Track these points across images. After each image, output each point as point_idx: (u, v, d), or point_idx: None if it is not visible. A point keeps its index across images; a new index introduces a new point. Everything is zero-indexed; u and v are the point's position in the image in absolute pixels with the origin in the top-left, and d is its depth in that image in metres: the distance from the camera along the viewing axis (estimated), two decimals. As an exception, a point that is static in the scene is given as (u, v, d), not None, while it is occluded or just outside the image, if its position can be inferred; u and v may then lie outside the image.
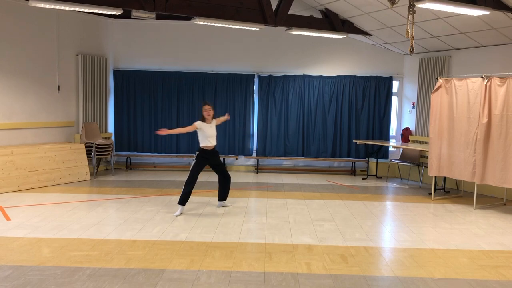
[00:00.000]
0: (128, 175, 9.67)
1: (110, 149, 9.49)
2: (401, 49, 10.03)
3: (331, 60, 10.50)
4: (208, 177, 9.63)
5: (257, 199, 7.56)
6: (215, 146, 6.70)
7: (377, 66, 10.40)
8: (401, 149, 9.78)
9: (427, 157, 8.18)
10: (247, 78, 10.44)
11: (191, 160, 10.49)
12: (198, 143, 10.33)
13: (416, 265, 4.58)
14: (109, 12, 6.97)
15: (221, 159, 6.61)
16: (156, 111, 10.37)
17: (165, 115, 10.40)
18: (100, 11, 7.01)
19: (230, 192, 8.07)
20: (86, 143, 9.14)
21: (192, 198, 7.42)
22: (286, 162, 10.74)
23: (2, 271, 4.17)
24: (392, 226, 6.10)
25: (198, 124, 6.55)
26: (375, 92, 10.31)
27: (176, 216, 6.27)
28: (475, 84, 7.15)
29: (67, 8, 6.74)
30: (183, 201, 6.39)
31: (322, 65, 10.48)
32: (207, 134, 6.56)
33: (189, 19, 7.57)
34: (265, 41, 10.37)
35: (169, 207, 6.77)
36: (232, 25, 7.83)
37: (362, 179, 9.88)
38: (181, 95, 10.39)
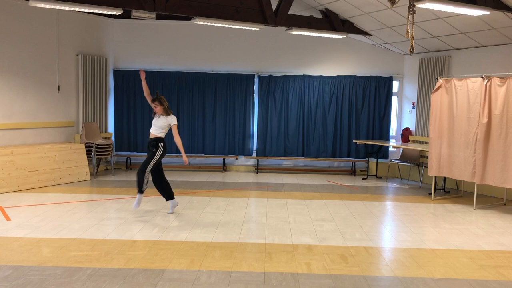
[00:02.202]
0: (128, 175, 9.67)
1: (110, 149, 9.49)
2: (401, 49, 10.03)
3: (331, 60, 10.50)
4: (209, 177, 9.63)
5: (257, 199, 7.56)
6: (153, 137, 6.39)
7: (377, 66, 10.40)
8: (401, 149, 9.78)
9: (427, 157, 8.18)
10: (247, 78, 10.44)
11: (190, 160, 10.59)
12: (197, 141, 10.41)
13: (416, 265, 4.58)
14: (109, 12, 6.97)
15: (156, 156, 6.37)
16: (156, 111, 10.35)
17: (165, 115, 10.39)
18: (100, 11, 7.01)
19: (232, 192, 8.09)
20: (86, 143, 9.14)
21: (192, 198, 7.44)
22: (286, 162, 10.74)
23: (2, 271, 4.17)
24: (392, 226, 6.10)
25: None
26: (375, 92, 10.32)
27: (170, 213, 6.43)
28: (475, 84, 7.15)
29: (67, 8, 6.74)
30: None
31: (322, 65, 10.48)
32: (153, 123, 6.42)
33: (189, 19, 7.57)
34: (265, 41, 10.37)
35: (169, 207, 6.76)
36: (232, 25, 7.83)
37: (362, 179, 9.88)
38: (181, 95, 10.39)
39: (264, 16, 7.83)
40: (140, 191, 6.23)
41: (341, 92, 10.35)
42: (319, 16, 8.86)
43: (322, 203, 7.35)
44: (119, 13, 7.01)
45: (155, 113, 6.39)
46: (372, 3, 7.71)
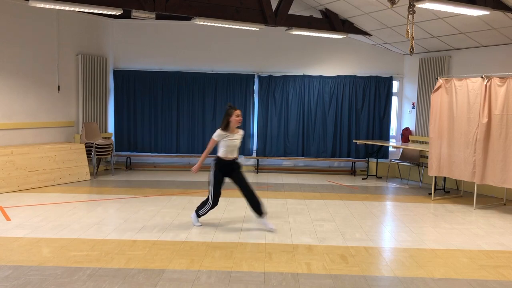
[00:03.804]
0: (128, 175, 9.67)
1: (110, 149, 9.49)
2: (401, 49, 10.03)
3: (331, 60, 10.50)
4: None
5: (257, 199, 7.56)
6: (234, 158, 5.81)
7: (377, 66, 10.40)
8: (401, 149, 9.78)
9: (427, 157, 8.18)
10: (247, 78, 10.43)
11: (190, 160, 10.61)
12: (198, 141, 10.41)
13: (416, 265, 4.58)
14: (109, 12, 6.97)
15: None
16: (156, 111, 10.37)
17: (165, 115, 10.41)
18: (100, 11, 7.01)
19: (231, 192, 8.07)
20: (86, 143, 9.14)
21: (192, 198, 7.43)
22: (286, 162, 10.73)
23: (2, 271, 4.17)
24: (392, 226, 6.10)
25: (218, 136, 5.66)
26: (375, 92, 10.31)
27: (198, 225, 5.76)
28: (475, 84, 7.15)
29: (67, 8, 6.74)
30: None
31: (322, 65, 10.48)
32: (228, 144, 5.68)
33: (189, 19, 7.57)
34: (265, 41, 10.36)
35: (169, 207, 6.77)
36: (232, 25, 7.83)
37: (362, 179, 9.88)
38: (181, 95, 10.39)
39: (264, 16, 7.83)
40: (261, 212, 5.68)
41: (341, 92, 10.35)
42: (319, 16, 8.85)
43: (322, 203, 7.35)
44: (119, 13, 7.01)
45: (227, 130, 5.66)
46: (372, 3, 7.71)
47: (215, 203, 5.69)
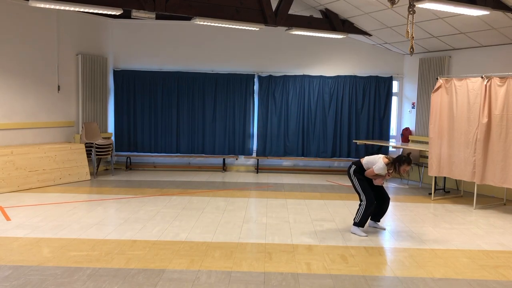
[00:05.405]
0: (128, 175, 9.67)
1: (110, 149, 9.49)
2: (401, 49, 10.03)
3: (331, 60, 10.50)
4: (209, 177, 9.63)
5: (257, 199, 7.56)
6: None
7: (377, 66, 10.40)
8: (401, 149, 9.77)
9: (427, 157, 8.18)
10: (247, 78, 10.43)
11: (190, 160, 10.61)
12: (197, 141, 10.40)
13: (416, 265, 4.58)
14: (109, 12, 6.97)
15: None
16: (156, 111, 10.37)
17: (165, 115, 10.40)
18: (100, 11, 7.01)
19: (232, 192, 8.09)
20: (86, 143, 9.14)
21: (192, 198, 7.44)
22: (286, 162, 10.73)
23: (2, 271, 4.17)
24: (392, 226, 6.09)
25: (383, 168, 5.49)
26: (375, 92, 10.31)
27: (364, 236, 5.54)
28: (475, 84, 7.15)
29: (67, 8, 6.74)
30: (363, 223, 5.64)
31: (322, 65, 10.48)
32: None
33: (189, 19, 7.57)
34: (265, 41, 10.36)
35: (169, 207, 6.77)
36: (232, 25, 7.83)
37: (362, 179, 9.86)
38: (181, 95, 10.39)
39: (264, 16, 7.83)
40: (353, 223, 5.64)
41: (341, 92, 10.35)
42: (319, 16, 8.86)
43: (322, 203, 7.35)
44: (119, 13, 7.01)
45: (390, 168, 5.50)
46: (372, 3, 7.71)
47: (370, 201, 5.55)
